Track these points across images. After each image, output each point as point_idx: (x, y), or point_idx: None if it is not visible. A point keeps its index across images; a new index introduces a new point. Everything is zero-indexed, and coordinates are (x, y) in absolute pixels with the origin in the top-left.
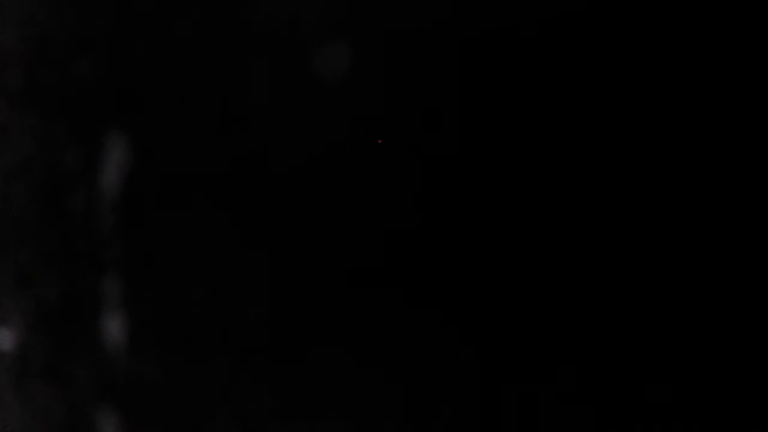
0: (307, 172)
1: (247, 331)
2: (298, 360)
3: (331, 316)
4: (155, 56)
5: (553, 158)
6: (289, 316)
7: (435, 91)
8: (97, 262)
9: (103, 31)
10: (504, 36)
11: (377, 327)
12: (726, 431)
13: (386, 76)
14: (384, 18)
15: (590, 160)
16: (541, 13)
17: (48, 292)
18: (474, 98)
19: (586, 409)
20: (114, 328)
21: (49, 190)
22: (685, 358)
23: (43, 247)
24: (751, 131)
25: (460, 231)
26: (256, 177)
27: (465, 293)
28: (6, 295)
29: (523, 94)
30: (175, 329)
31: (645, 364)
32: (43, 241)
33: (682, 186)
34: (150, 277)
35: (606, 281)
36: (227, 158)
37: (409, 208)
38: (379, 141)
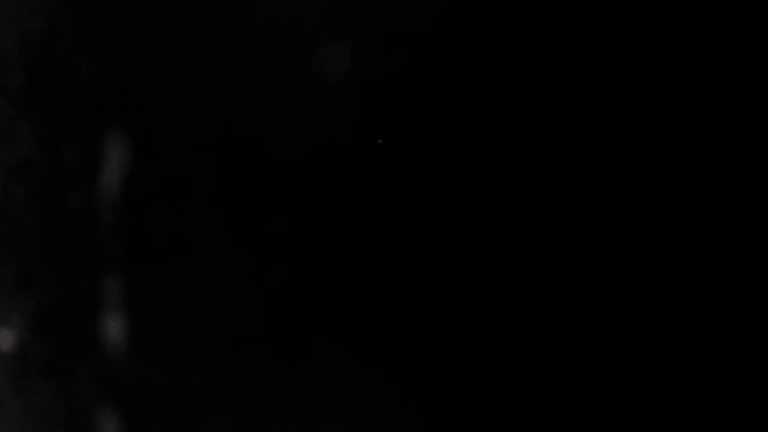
0: (308, 172)
1: (247, 331)
2: (298, 360)
3: (332, 316)
4: (155, 56)
5: (552, 158)
6: (290, 316)
7: (435, 91)
8: (97, 262)
9: (103, 31)
10: (504, 36)
11: (378, 327)
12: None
13: (386, 76)
14: (384, 18)
15: (589, 161)
16: (541, 13)
17: (48, 292)
18: (474, 98)
19: (586, 409)
20: (114, 328)
21: (49, 190)
22: (684, 358)
23: (43, 247)
24: (751, 131)
25: (459, 231)
26: (256, 177)
27: (465, 293)
28: (6, 295)
29: (523, 95)
30: (175, 329)
31: (645, 365)
32: (43, 241)
33: (682, 186)
34: (150, 277)
35: (606, 281)
36: (227, 158)
37: (409, 209)
38: (379, 141)
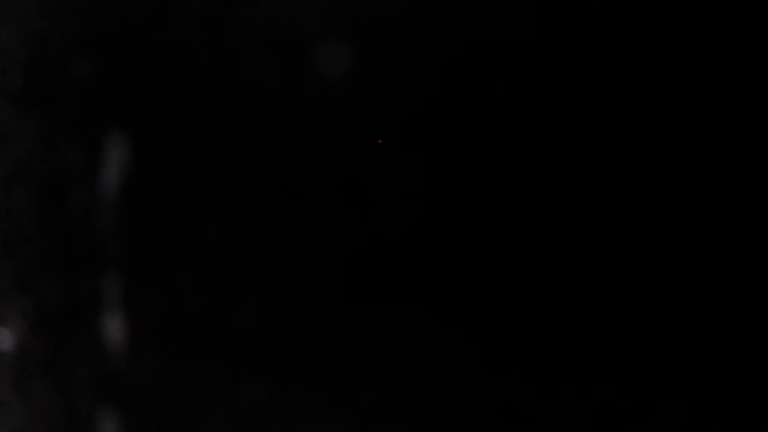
0: (308, 172)
1: (247, 331)
2: (297, 360)
3: (331, 316)
4: (155, 56)
5: (552, 158)
6: (289, 316)
7: (435, 92)
8: (97, 263)
9: (103, 32)
10: (504, 36)
11: (376, 327)
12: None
13: (386, 77)
14: (383, 18)
15: (589, 161)
16: (541, 12)
17: (48, 292)
18: (473, 98)
19: (587, 410)
20: (114, 328)
21: (49, 190)
22: (684, 358)
23: (43, 247)
24: (751, 131)
25: (459, 230)
26: (256, 177)
27: (465, 293)
28: (6, 295)
29: (523, 95)
30: (175, 329)
31: (644, 366)
32: (43, 241)
33: (682, 186)
34: (150, 277)
35: (606, 282)
36: (227, 158)
37: (410, 208)
38: (379, 141)
